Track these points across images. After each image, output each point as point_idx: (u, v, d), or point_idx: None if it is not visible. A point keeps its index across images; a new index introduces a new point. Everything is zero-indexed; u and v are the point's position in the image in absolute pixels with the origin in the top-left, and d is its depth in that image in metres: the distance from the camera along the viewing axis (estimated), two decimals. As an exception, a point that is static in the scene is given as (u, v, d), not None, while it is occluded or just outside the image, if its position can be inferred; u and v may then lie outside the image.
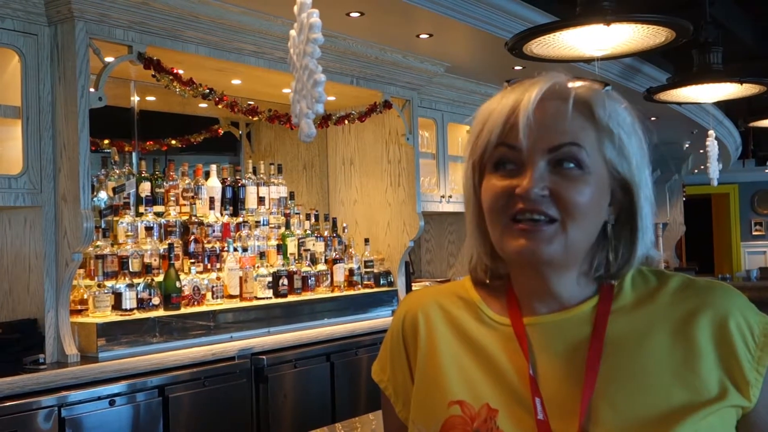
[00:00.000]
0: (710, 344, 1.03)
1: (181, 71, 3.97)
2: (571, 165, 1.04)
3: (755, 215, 15.31)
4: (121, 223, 4.11)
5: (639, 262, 1.11)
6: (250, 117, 4.51)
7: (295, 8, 1.28)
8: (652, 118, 7.91)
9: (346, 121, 5.00)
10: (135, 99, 4.81)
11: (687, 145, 10.41)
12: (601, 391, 1.02)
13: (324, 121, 4.81)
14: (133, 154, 4.78)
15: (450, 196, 5.91)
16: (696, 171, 12.78)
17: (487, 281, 1.16)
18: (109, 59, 3.69)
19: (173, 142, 5.46)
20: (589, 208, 1.05)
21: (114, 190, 4.25)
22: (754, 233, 15.31)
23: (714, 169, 6.50)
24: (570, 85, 1.09)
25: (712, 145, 6.52)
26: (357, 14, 4.21)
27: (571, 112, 1.06)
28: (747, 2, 6.48)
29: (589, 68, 4.66)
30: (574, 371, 1.05)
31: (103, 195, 4.24)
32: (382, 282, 5.27)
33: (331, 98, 5.25)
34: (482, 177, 1.10)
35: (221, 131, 5.75)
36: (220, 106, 4.18)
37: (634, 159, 1.09)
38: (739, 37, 6.48)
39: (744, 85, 3.89)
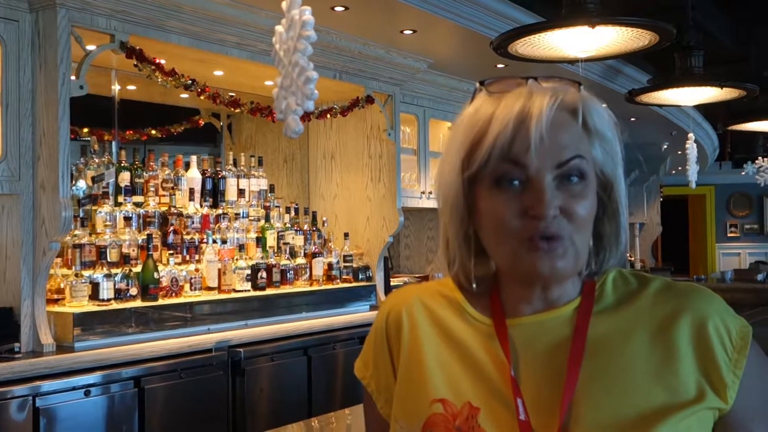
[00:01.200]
0: (689, 347, 1.04)
1: (162, 61, 3.95)
2: (576, 179, 1.04)
3: (731, 217, 15.48)
4: (100, 212, 4.07)
5: (623, 256, 1.12)
6: (232, 109, 4.50)
7: (284, 4, 1.27)
8: (632, 119, 7.97)
9: (328, 116, 4.99)
10: (116, 88, 4.77)
11: (665, 146, 10.50)
12: (582, 391, 1.03)
13: (306, 115, 4.77)
14: (113, 144, 4.75)
15: (430, 192, 5.91)
16: (674, 172, 12.89)
17: (474, 287, 1.14)
18: (90, 48, 3.66)
19: (153, 132, 5.44)
20: (590, 218, 1.06)
21: (93, 179, 4.21)
22: (729, 235, 15.49)
23: (693, 171, 6.57)
24: (553, 85, 1.07)
25: (691, 148, 6.59)
26: (341, 8, 4.20)
27: (572, 121, 1.06)
28: (727, 6, 6.54)
29: (572, 69, 4.68)
30: (555, 371, 1.05)
31: (81, 184, 4.21)
32: (360, 277, 5.27)
33: (314, 92, 5.24)
34: (473, 188, 1.09)
35: (202, 122, 5.73)
36: (202, 98, 4.16)
37: (617, 157, 1.11)
38: (719, 40, 6.54)
39: (725, 89, 3.92)
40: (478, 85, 1.11)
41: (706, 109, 8.75)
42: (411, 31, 4.72)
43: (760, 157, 8.01)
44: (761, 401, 1.06)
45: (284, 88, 1.22)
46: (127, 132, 5.08)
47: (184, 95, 4.95)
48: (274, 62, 1.25)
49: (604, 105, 1.11)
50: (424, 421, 1.08)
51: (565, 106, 1.06)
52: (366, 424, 1.25)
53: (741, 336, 1.05)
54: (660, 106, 5.02)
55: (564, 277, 1.07)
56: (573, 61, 3.16)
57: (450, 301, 1.17)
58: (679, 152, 10.94)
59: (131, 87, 4.93)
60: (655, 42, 2.73)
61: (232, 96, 4.46)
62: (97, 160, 4.32)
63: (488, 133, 1.05)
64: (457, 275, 1.16)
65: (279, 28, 1.25)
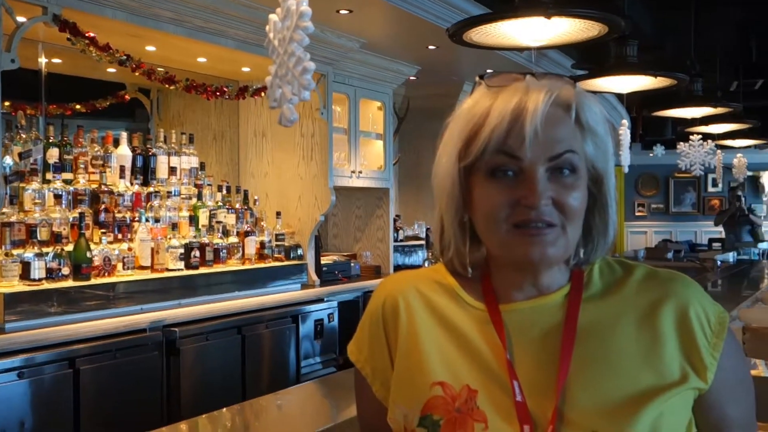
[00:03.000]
0: (673, 331, 1.11)
1: (94, 35, 3.84)
2: (567, 171, 1.10)
3: (639, 197, 16.01)
4: (28, 189, 3.94)
5: (610, 246, 1.18)
6: (167, 85, 4.42)
7: (280, -7, 1.28)
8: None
9: (263, 93, 4.95)
10: (43, 61, 4.61)
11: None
12: (575, 374, 1.09)
13: (240, 92, 4.76)
14: (40, 119, 4.59)
15: (360, 172, 5.95)
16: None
17: (469, 274, 1.19)
18: (21, 20, 3.54)
19: (78, 106, 5.30)
20: (582, 209, 1.12)
21: (20, 155, 4.08)
22: (637, 214, 16.02)
23: (626, 156, 6.81)
24: (549, 81, 1.11)
25: (625, 135, 6.81)
26: (279, -14, 4.17)
27: (566, 117, 1.11)
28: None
29: (504, 55, 4.76)
30: (549, 355, 1.11)
31: (8, 160, 4.06)
32: (292, 255, 5.28)
33: (247, 69, 5.19)
34: (469, 177, 1.14)
35: (128, 97, 5.61)
36: (136, 74, 4.07)
37: (608, 153, 1.16)
38: (640, 27, 6.73)
39: (658, 78, 4.09)
40: (477, 79, 1.15)
41: (621, 94, 9.01)
42: (347, 11, 4.72)
43: (681, 143, 8.33)
44: (735, 381, 1.14)
45: (279, 77, 1.23)
46: (50, 106, 4.93)
47: (111, 69, 4.83)
48: (268, 51, 1.26)
49: (597, 103, 1.16)
50: (424, 403, 1.12)
51: (559, 102, 1.11)
52: (358, 406, 1.29)
53: (719, 321, 1.13)
54: (594, 93, 5.15)
55: (553, 263, 1.13)
56: (522, 50, 3.23)
57: (444, 288, 1.21)
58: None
59: (56, 60, 4.78)
60: (604, 33, 2.83)
61: (167, 73, 4.38)
62: (24, 136, 4.18)
63: (485, 126, 1.10)
64: (451, 261, 1.21)
65: (273, 17, 1.26)
